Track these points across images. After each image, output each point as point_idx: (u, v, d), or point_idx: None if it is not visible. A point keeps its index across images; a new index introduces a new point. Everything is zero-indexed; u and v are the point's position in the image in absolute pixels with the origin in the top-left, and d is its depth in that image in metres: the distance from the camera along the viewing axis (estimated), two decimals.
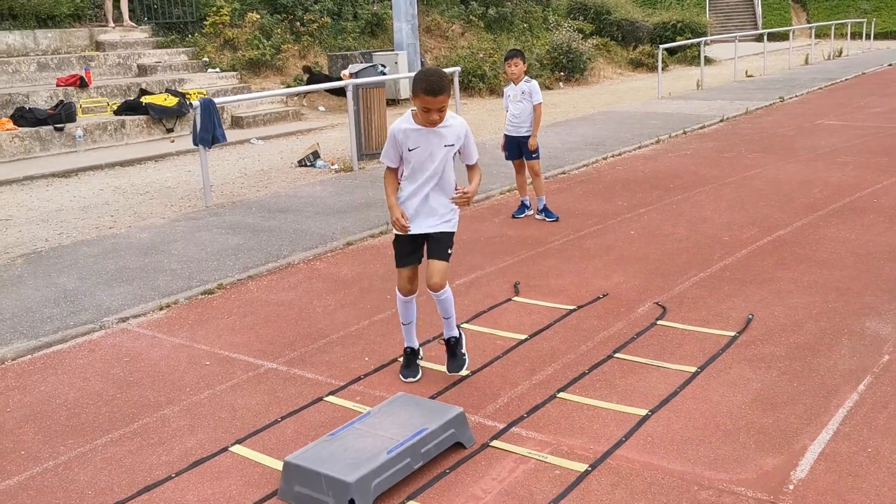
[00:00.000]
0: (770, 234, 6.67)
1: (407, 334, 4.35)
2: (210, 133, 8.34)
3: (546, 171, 9.68)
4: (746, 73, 21.11)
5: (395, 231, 4.12)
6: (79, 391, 4.37)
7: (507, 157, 7.74)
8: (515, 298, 5.47)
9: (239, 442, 3.74)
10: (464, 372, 4.24)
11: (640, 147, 11.21)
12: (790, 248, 6.28)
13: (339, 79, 11.84)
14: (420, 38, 17.41)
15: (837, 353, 4.35)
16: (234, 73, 15.77)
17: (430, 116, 3.88)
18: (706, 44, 21.78)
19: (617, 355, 4.46)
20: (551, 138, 11.98)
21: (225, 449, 3.69)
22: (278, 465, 3.45)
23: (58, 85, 13.05)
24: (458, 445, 3.56)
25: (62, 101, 12.31)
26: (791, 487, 3.16)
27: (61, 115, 11.90)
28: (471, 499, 3.21)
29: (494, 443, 3.61)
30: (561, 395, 4.03)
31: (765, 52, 22.33)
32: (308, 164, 10.59)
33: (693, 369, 4.22)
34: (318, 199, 8.49)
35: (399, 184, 4.13)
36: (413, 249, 4.16)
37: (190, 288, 5.91)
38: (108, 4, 15.75)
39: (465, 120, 4.07)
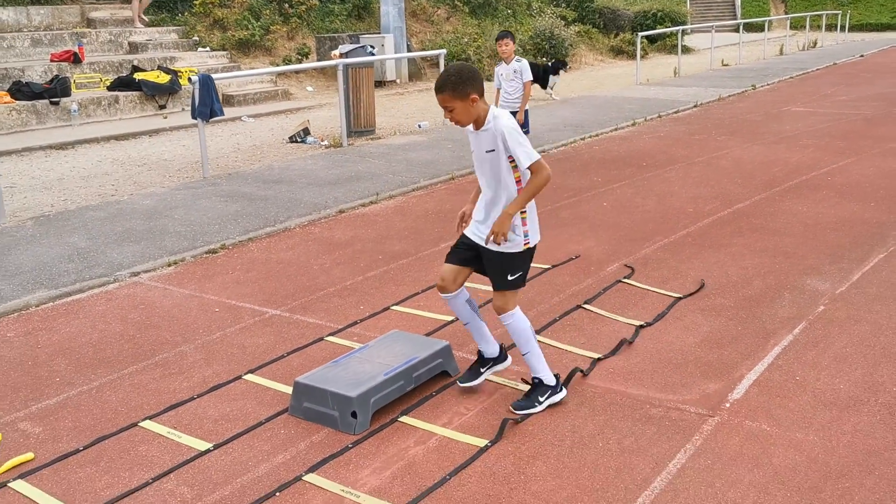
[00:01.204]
0: (730, 207, 7.24)
1: (476, 337, 3.95)
2: (208, 107, 8.76)
3: None
4: (722, 62, 21.72)
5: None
6: (101, 332, 4.84)
7: None
8: None
9: (251, 372, 4.23)
10: (524, 412, 3.69)
11: (616, 129, 11.76)
12: (747, 218, 6.85)
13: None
14: (406, 22, 17.81)
15: (779, 304, 4.92)
16: (224, 52, 16.12)
17: (445, 115, 3.60)
18: (685, 33, 22.36)
19: (585, 306, 5.00)
20: (533, 120, 12.42)
21: (238, 377, 4.19)
22: (287, 389, 3.96)
23: (52, 60, 13.37)
24: (445, 374, 4.08)
25: (57, 75, 12.64)
26: (727, 405, 3.72)
27: (56, 89, 12.24)
28: (456, 415, 3.73)
29: None
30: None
31: (740, 42, 22.94)
32: (298, 140, 11.03)
33: (648, 321, 4.77)
34: (310, 172, 8.95)
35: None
36: (462, 249, 3.76)
37: (195, 248, 6.38)
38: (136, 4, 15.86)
39: (506, 119, 3.53)
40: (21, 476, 3.33)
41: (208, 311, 5.12)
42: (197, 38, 16.21)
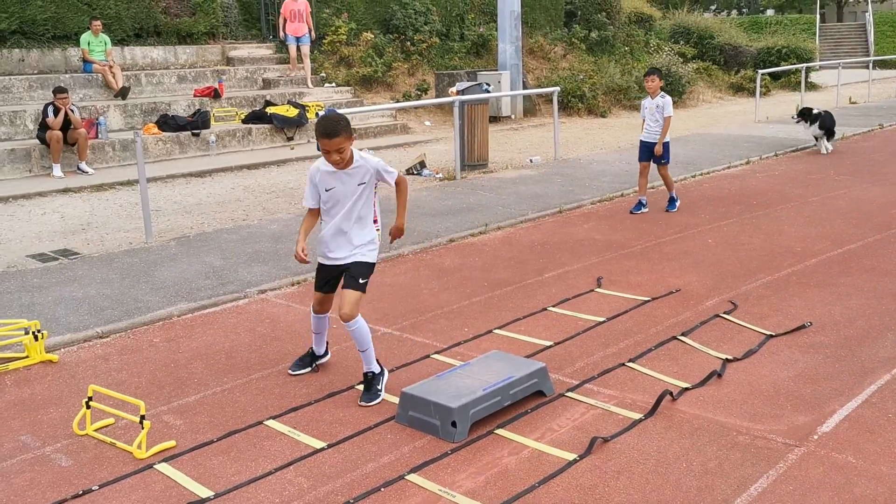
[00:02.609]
0: (841, 248, 7.17)
1: (315, 342, 4.83)
2: None
3: (635, 185, 10.35)
4: (850, 99, 21.03)
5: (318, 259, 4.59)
6: (233, 341, 5.39)
7: (639, 159, 9.04)
8: (597, 290, 6.21)
9: (361, 383, 4.64)
10: (373, 404, 4.32)
11: (729, 167, 11.71)
12: (857, 259, 6.78)
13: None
14: (523, 59, 18.29)
15: (881, 344, 4.92)
16: (349, 87, 17.04)
17: (330, 157, 4.15)
18: (810, 70, 21.80)
19: (681, 337, 5.15)
20: None
21: (352, 387, 4.60)
22: (395, 399, 4.33)
23: (195, 95, 14.58)
24: (539, 394, 4.36)
25: (199, 109, 13.78)
26: (815, 437, 3.82)
27: (198, 122, 13.35)
28: (548, 431, 4.00)
29: (569, 394, 4.39)
30: (629, 364, 4.77)
31: (870, 79, 22.13)
32: (415, 172, 11.59)
33: (737, 356, 4.88)
34: (425, 202, 9.44)
35: (318, 221, 4.54)
36: (328, 279, 4.54)
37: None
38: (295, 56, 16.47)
39: (377, 160, 4.31)
40: (165, 460, 3.83)
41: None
42: (324, 75, 17.22)
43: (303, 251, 4.42)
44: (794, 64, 23.27)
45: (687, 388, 4.40)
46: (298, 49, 16.27)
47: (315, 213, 4.52)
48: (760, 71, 18.66)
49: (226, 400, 4.48)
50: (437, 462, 3.73)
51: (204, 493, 3.53)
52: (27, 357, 5.09)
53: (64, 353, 5.24)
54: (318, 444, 3.93)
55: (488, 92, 12.08)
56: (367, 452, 3.85)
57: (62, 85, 12.10)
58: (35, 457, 3.90)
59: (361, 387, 4.51)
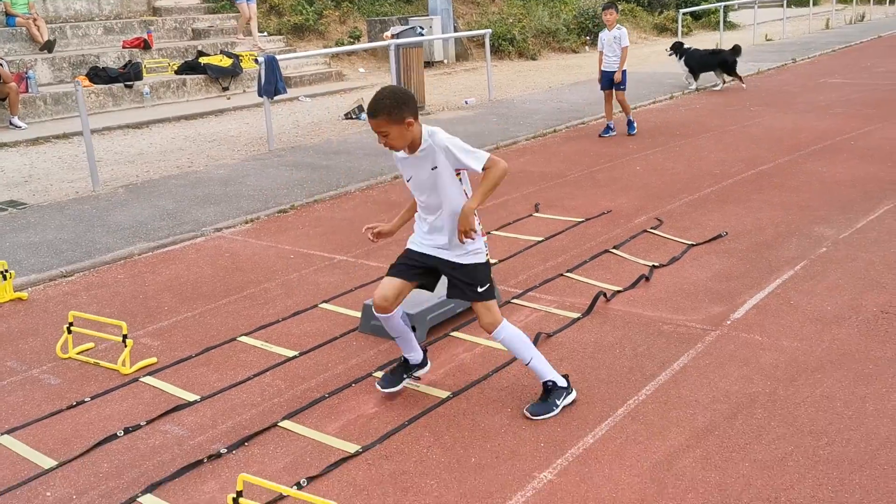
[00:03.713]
0: (754, 169, 7.80)
1: (402, 347, 3.85)
2: (273, 85, 9.59)
3: (567, 122, 10.85)
4: (766, 37, 21.87)
5: None
6: (196, 274, 5.69)
7: (601, 88, 9.90)
8: (535, 214, 6.68)
9: (325, 301, 5.02)
10: (542, 417, 3.56)
11: (654, 102, 12.29)
12: (768, 178, 7.42)
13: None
14: (452, 4, 18.46)
15: (786, 247, 5.53)
16: (281, 36, 16.98)
17: (379, 140, 3.46)
18: (729, 9, 22.54)
19: (612, 250, 5.67)
20: (574, 95, 13.10)
21: (315, 305, 4.98)
22: (357, 314, 4.73)
23: (124, 47, 14.37)
24: None
25: (129, 61, 13.63)
26: (728, 322, 4.38)
27: (130, 73, 13.23)
28: None
29: (514, 300, 4.86)
30: (566, 274, 5.27)
31: (784, 17, 23.03)
32: (353, 116, 11.82)
33: (664, 262, 5.43)
34: (367, 144, 9.73)
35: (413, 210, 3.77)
36: (412, 265, 3.65)
37: (267, 208, 7.20)
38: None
39: (442, 134, 3.46)
40: (149, 374, 4.16)
41: (284, 258, 5.93)
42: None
43: (375, 230, 3.80)
44: (712, 3, 23.99)
45: (619, 291, 4.91)
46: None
47: (414, 204, 3.72)
48: (682, 11, 19.25)
49: (198, 323, 4.81)
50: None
51: (190, 397, 3.89)
52: None
53: (32, 291, 5.46)
54: (290, 353, 4.32)
55: (422, 35, 12.31)
56: (335, 357, 4.26)
57: None
58: (24, 378, 4.18)
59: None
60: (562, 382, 3.62)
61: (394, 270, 3.69)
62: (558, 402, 3.59)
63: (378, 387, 3.80)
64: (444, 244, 3.54)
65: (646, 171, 7.97)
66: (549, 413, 3.56)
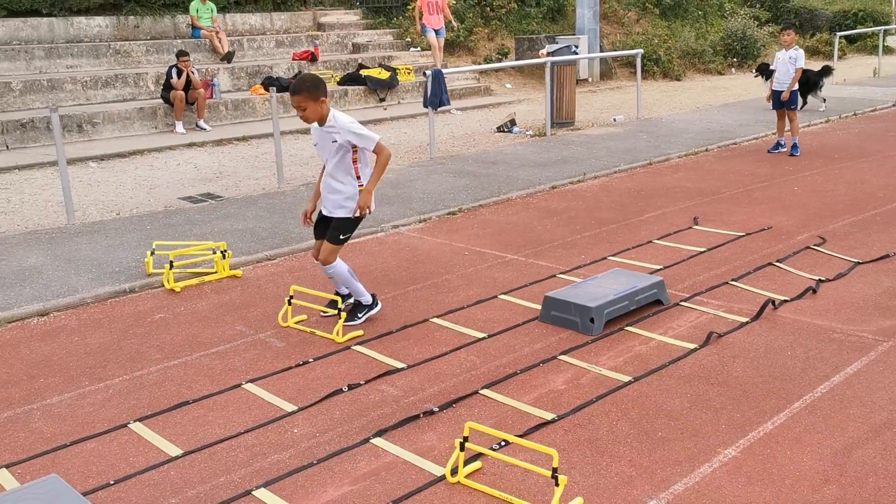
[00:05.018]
0: None
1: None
2: (438, 97, 10.24)
3: (718, 142, 10.97)
4: None
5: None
6: (382, 263, 6.31)
7: (773, 107, 10.19)
8: (695, 227, 6.94)
9: (504, 293, 5.50)
10: (352, 324, 4.94)
11: (809, 125, 12.17)
12: None
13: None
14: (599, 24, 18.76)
15: None
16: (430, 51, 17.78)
17: (298, 114, 4.64)
18: (887, 33, 21.70)
19: (776, 263, 5.88)
20: (724, 116, 13.14)
21: (495, 296, 5.47)
22: (534, 306, 5.18)
23: (293, 59, 15.54)
24: (658, 302, 5.16)
25: (299, 72, 14.73)
26: None
27: None
28: (669, 329, 4.80)
29: (683, 303, 5.18)
30: (732, 282, 5.53)
31: None
32: (505, 129, 12.35)
33: (829, 276, 5.58)
34: (522, 156, 10.22)
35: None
36: (317, 225, 5.05)
37: (437, 210, 7.79)
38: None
39: (348, 119, 4.71)
40: (359, 343, 4.76)
41: (459, 254, 6.47)
42: (409, 40, 18.01)
43: (306, 215, 5.04)
44: (871, 27, 23.14)
45: (786, 300, 5.14)
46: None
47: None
48: (839, 34, 18.77)
49: (392, 304, 5.39)
50: (581, 348, 4.58)
51: (398, 364, 4.45)
52: (215, 272, 6.09)
53: (244, 270, 6.23)
54: (480, 335, 4.81)
55: (576, 54, 12.72)
56: (521, 341, 4.72)
57: (183, 49, 13.16)
58: (254, 340, 4.88)
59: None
60: (368, 300, 5.04)
61: (316, 233, 5.09)
62: (360, 315, 5.00)
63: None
64: (330, 205, 4.86)
65: (804, 192, 8.04)
66: (354, 321, 4.94)
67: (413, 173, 9.44)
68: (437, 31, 15.87)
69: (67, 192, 7.48)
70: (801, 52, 9.74)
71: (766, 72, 13.69)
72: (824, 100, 13.59)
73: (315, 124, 4.76)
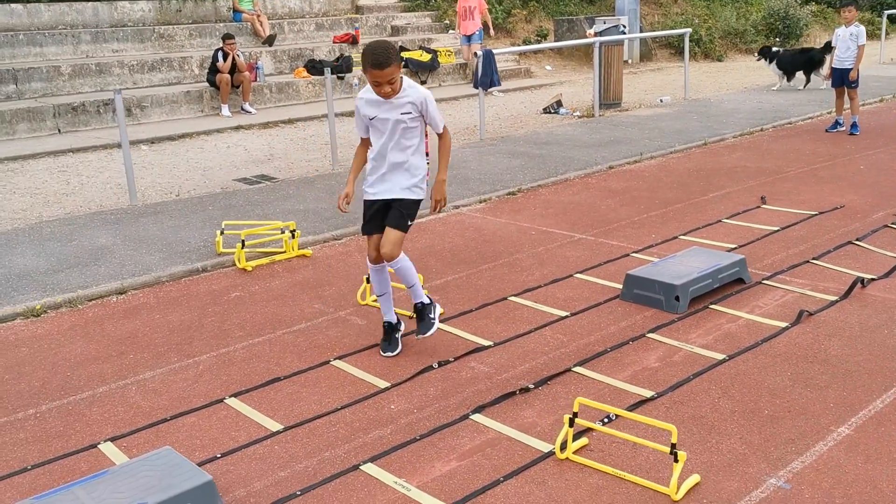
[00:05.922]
0: None
1: (383, 306, 4.37)
2: (489, 78, 10.15)
3: (773, 121, 10.78)
4: None
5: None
6: (450, 243, 6.26)
7: (832, 85, 9.96)
8: (763, 206, 6.82)
9: (580, 272, 5.44)
10: (430, 333, 4.26)
11: (864, 104, 11.91)
12: None
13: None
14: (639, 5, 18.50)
15: None
16: None
17: (381, 90, 3.89)
18: None
19: (856, 241, 5.75)
20: (774, 96, 12.93)
21: (571, 275, 5.41)
22: (613, 285, 5.11)
23: (334, 42, 15.49)
24: (739, 281, 5.06)
25: (341, 54, 14.70)
26: None
27: (342, 66, 14.28)
28: (755, 307, 4.71)
29: (766, 282, 5.09)
30: (813, 261, 5.42)
31: None
32: (552, 111, 12.23)
33: None
34: (573, 137, 10.11)
35: (366, 159, 4.26)
36: (373, 217, 4.19)
37: (496, 190, 7.73)
38: None
39: (423, 88, 4.06)
40: (442, 321, 4.72)
41: (526, 234, 6.41)
42: (447, 22, 17.89)
43: (345, 198, 4.22)
44: None
45: (874, 279, 5.03)
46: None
47: (365, 147, 4.26)
48: (885, 12, 18.37)
49: (467, 283, 5.35)
50: (668, 326, 4.51)
51: (485, 342, 4.41)
52: (284, 252, 6.08)
53: (312, 249, 6.22)
54: (562, 313, 4.76)
55: (624, 34, 12.54)
56: (605, 319, 4.66)
57: (229, 32, 13.16)
58: (334, 318, 4.86)
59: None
60: (424, 299, 4.28)
61: (364, 228, 4.28)
62: (433, 317, 4.27)
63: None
64: (394, 187, 4.12)
65: (871, 170, 7.87)
66: (432, 328, 4.25)
67: (466, 154, 9.37)
68: (469, 38, 15.26)
69: (130, 174, 7.51)
70: (863, 28, 9.52)
71: (768, 55, 13.92)
72: (826, 78, 13.17)
73: (370, 95, 4.02)
